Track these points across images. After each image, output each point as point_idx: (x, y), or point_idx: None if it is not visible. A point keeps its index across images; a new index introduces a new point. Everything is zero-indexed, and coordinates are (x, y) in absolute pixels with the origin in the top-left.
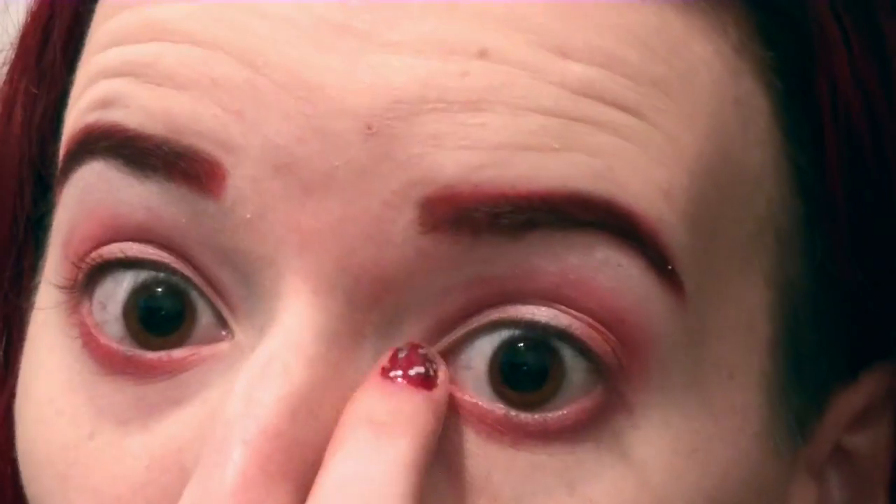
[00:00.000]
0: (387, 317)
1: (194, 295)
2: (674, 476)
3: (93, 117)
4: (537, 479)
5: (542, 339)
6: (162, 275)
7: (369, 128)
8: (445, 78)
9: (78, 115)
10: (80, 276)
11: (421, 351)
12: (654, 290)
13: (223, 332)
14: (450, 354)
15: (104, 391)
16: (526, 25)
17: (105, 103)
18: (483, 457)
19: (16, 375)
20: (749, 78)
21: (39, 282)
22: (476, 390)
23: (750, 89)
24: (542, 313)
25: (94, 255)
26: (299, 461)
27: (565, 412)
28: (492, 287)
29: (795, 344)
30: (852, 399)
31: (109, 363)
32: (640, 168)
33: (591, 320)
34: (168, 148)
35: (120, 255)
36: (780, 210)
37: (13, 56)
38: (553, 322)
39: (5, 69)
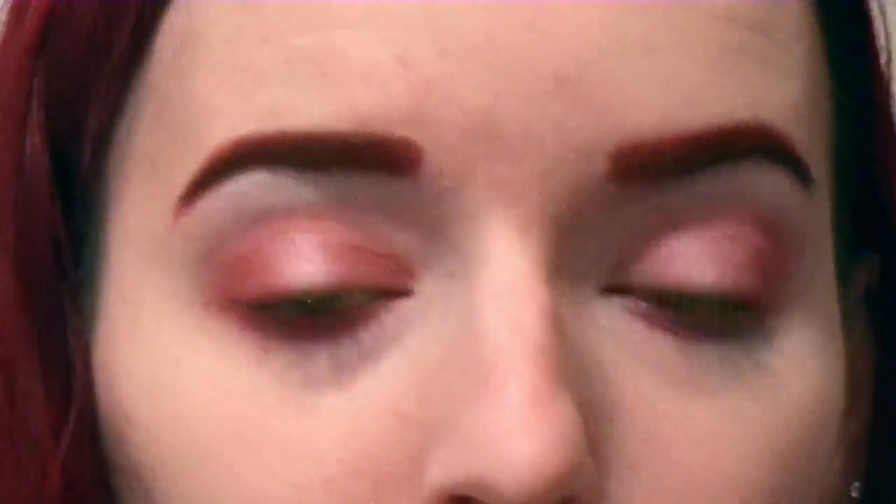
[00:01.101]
0: (575, 251)
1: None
2: (824, 359)
3: (253, 127)
4: (728, 362)
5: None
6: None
7: (559, 78)
8: (619, 19)
9: (229, 126)
10: (246, 301)
11: None
12: (801, 198)
13: (388, 296)
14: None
15: (285, 358)
16: None
17: (271, 111)
18: (666, 350)
19: (78, 399)
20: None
21: (95, 296)
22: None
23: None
24: (702, 275)
25: (273, 284)
26: (568, 371)
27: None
28: (666, 214)
29: (841, 236)
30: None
31: (285, 330)
32: (777, 86)
33: (750, 256)
34: (358, 141)
35: (304, 283)
36: (832, 108)
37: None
38: (712, 284)
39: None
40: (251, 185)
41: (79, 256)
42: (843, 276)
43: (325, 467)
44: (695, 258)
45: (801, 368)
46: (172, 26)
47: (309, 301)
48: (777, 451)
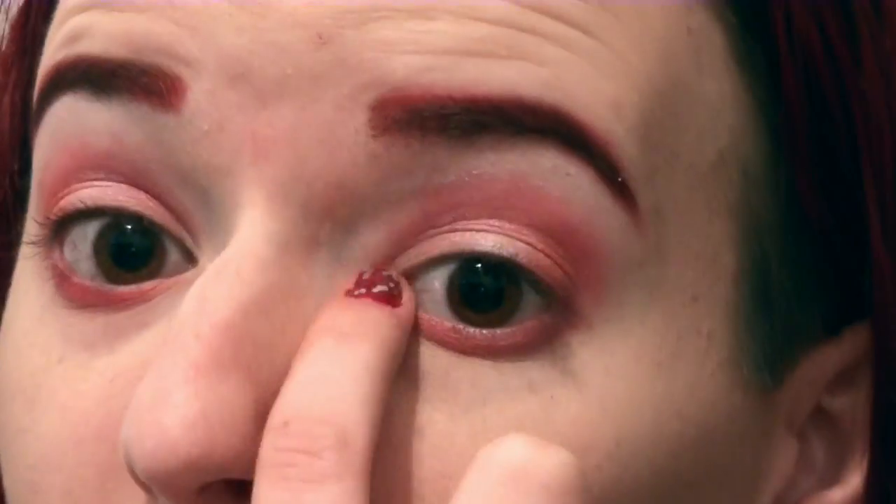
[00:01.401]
0: (341, 226)
1: (163, 234)
2: (637, 385)
3: (61, 54)
4: (495, 380)
5: (498, 263)
6: (131, 213)
7: (320, 37)
8: None
9: (48, 55)
10: (49, 225)
11: (385, 272)
12: (606, 201)
13: (187, 263)
14: (408, 279)
15: (74, 321)
16: None
17: (73, 38)
18: (442, 365)
19: None
20: (702, 10)
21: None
22: (435, 311)
23: (703, 21)
24: (488, 241)
25: (55, 209)
26: (251, 355)
27: (515, 329)
28: (443, 198)
29: (763, 279)
30: (832, 357)
31: (81, 298)
32: (589, 80)
33: (538, 239)
34: (130, 66)
35: (80, 205)
36: (744, 142)
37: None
38: (500, 251)
39: None
40: (60, 109)
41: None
42: (788, 326)
43: (78, 428)
44: (481, 238)
45: (591, 398)
46: None
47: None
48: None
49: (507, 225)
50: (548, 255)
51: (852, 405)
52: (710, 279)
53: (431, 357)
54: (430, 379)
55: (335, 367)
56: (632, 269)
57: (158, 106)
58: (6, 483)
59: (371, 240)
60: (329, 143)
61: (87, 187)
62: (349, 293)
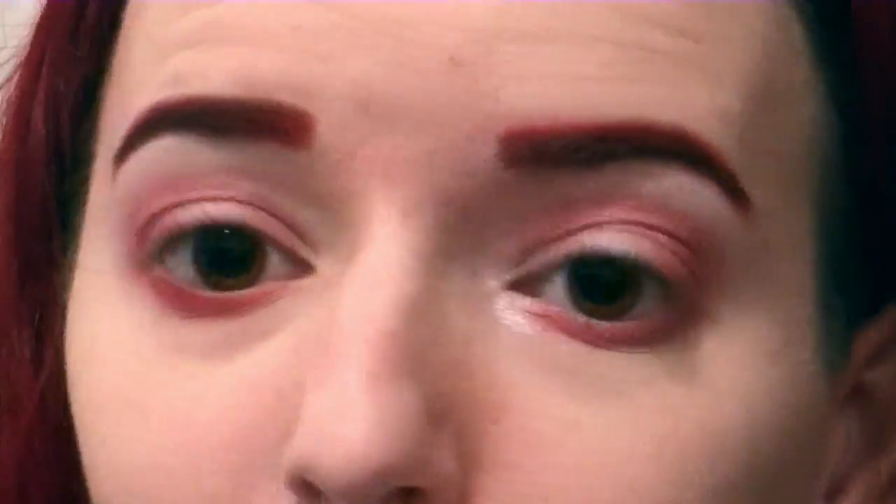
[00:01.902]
0: (472, 239)
1: (261, 237)
2: (757, 374)
3: (164, 93)
4: (636, 371)
5: (624, 259)
6: (232, 220)
7: (452, 59)
8: (522, 9)
9: (147, 92)
10: (151, 243)
11: None
12: (727, 210)
13: (299, 269)
14: (533, 276)
15: (184, 330)
16: None
17: (177, 78)
18: (583, 360)
19: (51, 354)
20: (784, 2)
21: (72, 260)
22: (562, 306)
23: (787, 13)
24: (618, 242)
25: (167, 218)
26: (417, 360)
27: (643, 322)
28: (570, 211)
29: (835, 265)
30: (873, 334)
31: (189, 307)
32: (701, 92)
33: (666, 239)
34: (253, 108)
35: (200, 215)
36: (821, 132)
37: (31, 42)
38: (630, 253)
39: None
40: (160, 151)
41: (66, 220)
42: (847, 310)
43: (204, 438)
44: (608, 237)
45: (722, 388)
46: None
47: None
48: (683, 466)
49: (634, 228)
50: (674, 253)
51: (885, 378)
52: (801, 269)
53: (572, 352)
54: (575, 374)
55: None
56: (747, 265)
57: (285, 143)
58: (104, 491)
59: (502, 249)
60: (460, 170)
61: (188, 209)
62: None
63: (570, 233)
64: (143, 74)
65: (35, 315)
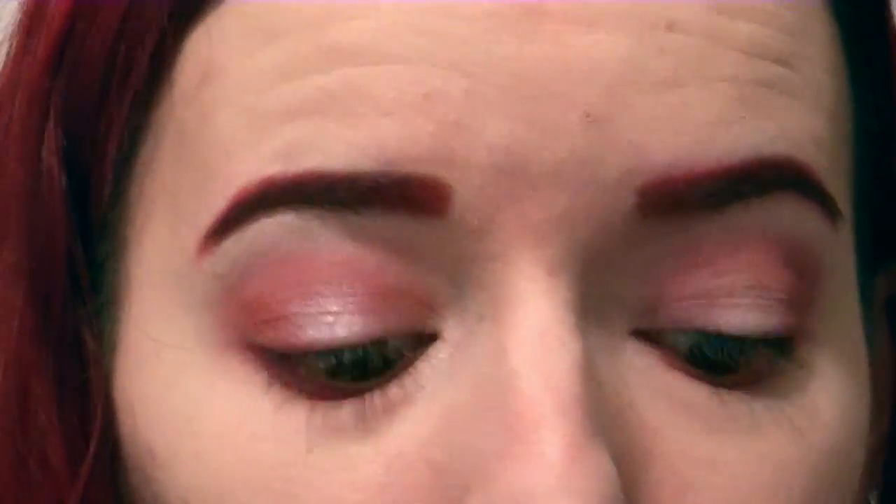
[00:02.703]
0: (603, 289)
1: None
2: (849, 385)
3: (275, 168)
4: (760, 411)
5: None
6: (359, 344)
7: (588, 115)
8: (646, 57)
9: (251, 166)
10: (271, 346)
11: None
12: (829, 232)
13: (421, 341)
14: (656, 332)
15: (314, 409)
16: None
17: (290, 151)
18: (714, 399)
19: (90, 431)
20: (827, 12)
21: (113, 327)
22: (680, 357)
23: (833, 25)
24: (739, 321)
25: (288, 335)
26: (603, 420)
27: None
28: (697, 255)
29: (864, 261)
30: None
31: (314, 392)
32: (801, 120)
33: (783, 297)
34: (385, 181)
35: (326, 337)
36: (859, 136)
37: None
38: (754, 326)
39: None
40: (276, 227)
41: (97, 283)
42: (864, 292)
43: None
44: (734, 302)
45: (831, 402)
46: (195, 54)
47: (334, 360)
48: (811, 489)
49: (762, 301)
50: (789, 307)
51: (873, 355)
52: (852, 270)
53: (700, 394)
54: (706, 414)
55: None
56: (836, 281)
57: (420, 214)
58: None
59: (630, 297)
60: (602, 224)
61: (312, 319)
62: None
63: (700, 298)
64: (238, 146)
65: (63, 384)
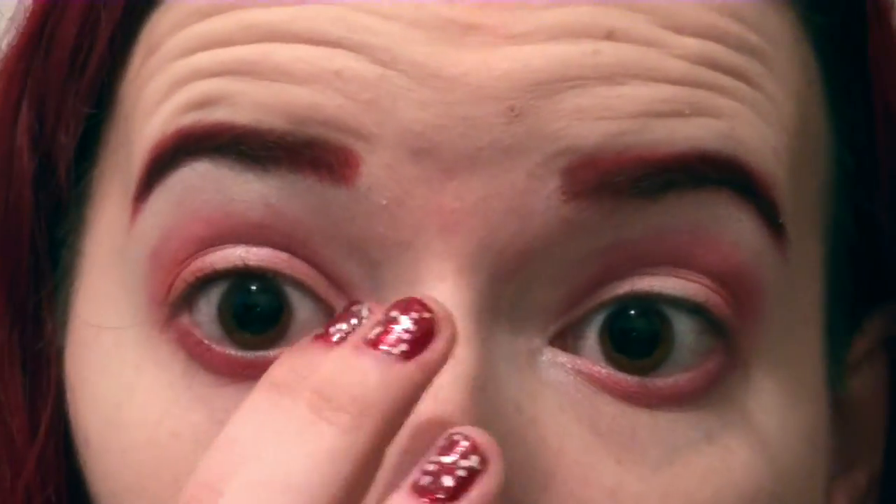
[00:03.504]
0: (518, 292)
1: (289, 288)
2: (784, 417)
3: (189, 119)
4: (679, 433)
5: (655, 306)
6: (259, 271)
7: (512, 110)
8: (581, 57)
9: (166, 119)
10: (180, 287)
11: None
12: (767, 243)
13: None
14: (570, 329)
15: (224, 398)
16: (641, 8)
17: (203, 104)
18: (629, 422)
19: (45, 406)
20: (804, 40)
21: (66, 307)
22: (592, 357)
23: (807, 51)
24: (669, 286)
25: (199, 264)
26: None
27: (695, 374)
28: (626, 252)
29: (837, 293)
30: (858, 347)
31: (229, 371)
32: (755, 128)
33: (711, 283)
34: (293, 139)
35: (238, 262)
36: (837, 166)
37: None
38: (674, 291)
39: None
40: (192, 175)
41: (56, 260)
42: (842, 332)
43: None
44: (652, 272)
45: (754, 439)
46: (145, 40)
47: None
48: None
49: (683, 271)
50: (722, 297)
51: (863, 387)
52: (814, 302)
53: (615, 414)
54: (618, 437)
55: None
56: (778, 300)
57: (327, 179)
58: None
59: (549, 297)
60: (520, 211)
61: (222, 250)
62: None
63: (619, 276)
64: (156, 105)
65: (27, 361)
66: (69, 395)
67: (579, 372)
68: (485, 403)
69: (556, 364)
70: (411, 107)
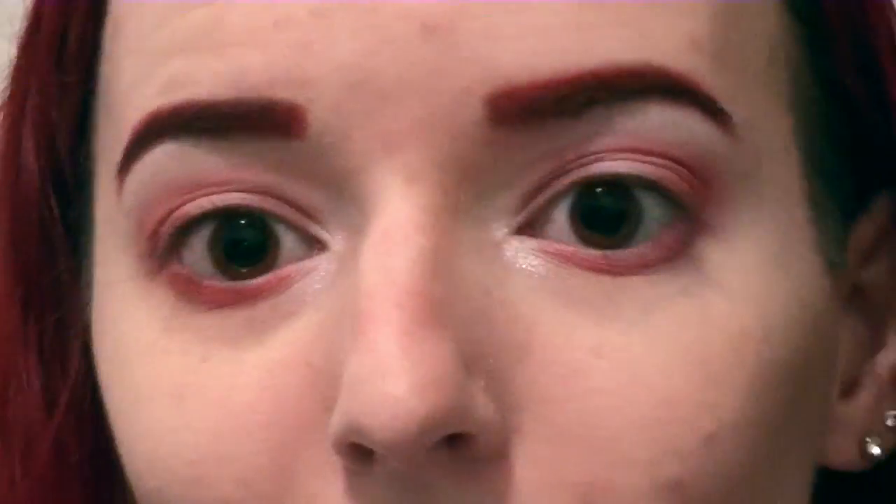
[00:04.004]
0: (475, 195)
1: (273, 222)
2: (767, 279)
3: (157, 102)
4: (651, 291)
5: (618, 184)
6: (242, 208)
7: (424, 26)
8: None
9: (141, 103)
10: (164, 240)
11: None
12: (711, 130)
13: (312, 249)
14: (537, 216)
15: (210, 322)
16: None
17: (170, 85)
18: (600, 289)
19: (66, 388)
20: None
21: (88, 280)
22: (562, 239)
23: None
24: (619, 165)
25: (178, 213)
26: (445, 314)
27: (654, 243)
28: (566, 154)
29: (819, 167)
30: (864, 230)
31: (207, 298)
32: (669, 25)
33: (664, 161)
34: (245, 108)
35: (208, 206)
36: (786, 36)
37: (14, 78)
38: (630, 170)
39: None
40: (162, 156)
41: (77, 243)
42: (838, 208)
43: (243, 418)
44: (612, 164)
45: (734, 294)
46: (112, 13)
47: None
48: (710, 369)
49: (632, 155)
50: (674, 172)
51: (881, 274)
52: (790, 172)
53: (587, 284)
54: (593, 303)
55: None
56: (741, 177)
57: (280, 137)
58: (148, 485)
59: (505, 201)
60: (452, 132)
61: (199, 201)
62: None
63: (574, 165)
64: (132, 87)
65: (44, 346)
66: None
67: (547, 252)
68: (444, 285)
69: (523, 249)
70: (345, 38)
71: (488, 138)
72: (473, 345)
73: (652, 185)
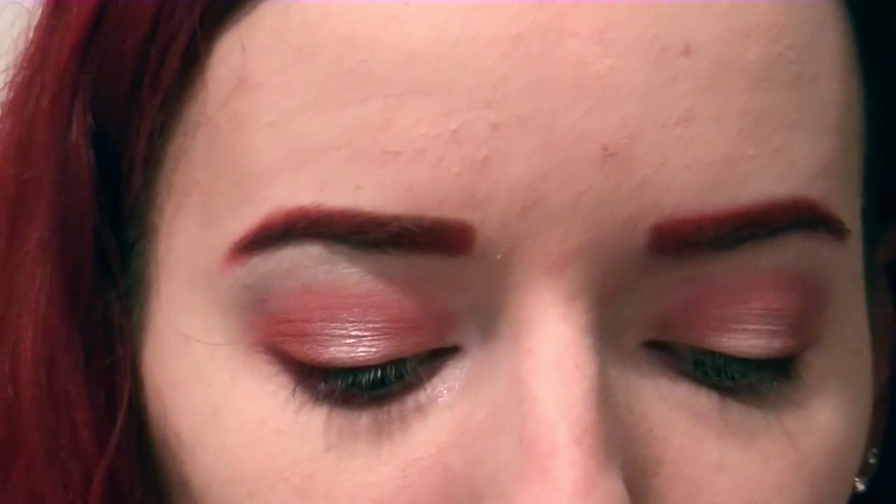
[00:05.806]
0: (621, 306)
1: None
2: (858, 375)
3: (312, 197)
4: (759, 416)
5: (739, 360)
6: (378, 365)
7: (606, 149)
8: (661, 86)
9: (289, 189)
10: (298, 365)
11: None
12: (834, 248)
13: (445, 353)
14: (666, 345)
15: (325, 411)
16: (710, 10)
17: (328, 184)
18: (716, 405)
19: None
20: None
21: (141, 309)
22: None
23: (846, 23)
24: (741, 346)
25: (309, 359)
26: (613, 446)
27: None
28: (706, 284)
29: (867, 236)
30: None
31: (327, 398)
32: (807, 151)
33: (793, 294)
34: (414, 226)
35: (334, 362)
36: (865, 122)
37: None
38: (751, 354)
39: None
40: (303, 256)
41: (126, 264)
42: (868, 254)
43: None
44: (742, 328)
45: (828, 409)
46: (227, 59)
47: (352, 378)
48: (812, 481)
49: (770, 327)
50: (800, 302)
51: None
52: (859, 251)
53: (708, 402)
54: (713, 420)
55: None
56: (844, 284)
57: (445, 255)
58: None
59: (642, 313)
60: (615, 257)
61: (334, 340)
62: None
63: (704, 322)
64: (274, 165)
65: (89, 350)
66: (152, 395)
67: (671, 369)
68: (608, 413)
69: (651, 362)
70: (520, 157)
71: (645, 264)
72: (629, 470)
73: (776, 361)
